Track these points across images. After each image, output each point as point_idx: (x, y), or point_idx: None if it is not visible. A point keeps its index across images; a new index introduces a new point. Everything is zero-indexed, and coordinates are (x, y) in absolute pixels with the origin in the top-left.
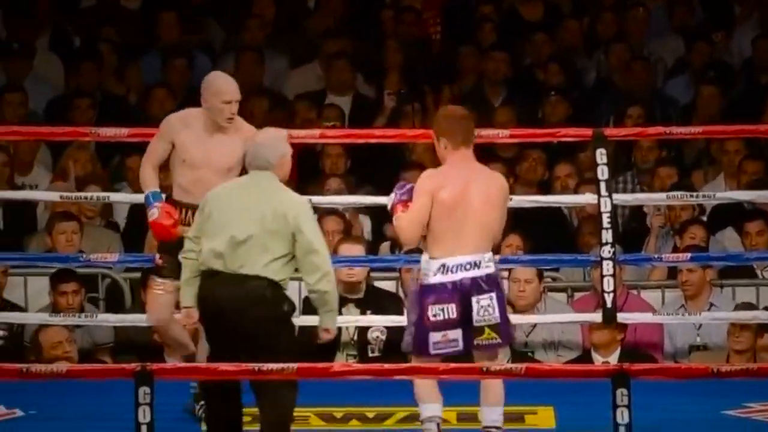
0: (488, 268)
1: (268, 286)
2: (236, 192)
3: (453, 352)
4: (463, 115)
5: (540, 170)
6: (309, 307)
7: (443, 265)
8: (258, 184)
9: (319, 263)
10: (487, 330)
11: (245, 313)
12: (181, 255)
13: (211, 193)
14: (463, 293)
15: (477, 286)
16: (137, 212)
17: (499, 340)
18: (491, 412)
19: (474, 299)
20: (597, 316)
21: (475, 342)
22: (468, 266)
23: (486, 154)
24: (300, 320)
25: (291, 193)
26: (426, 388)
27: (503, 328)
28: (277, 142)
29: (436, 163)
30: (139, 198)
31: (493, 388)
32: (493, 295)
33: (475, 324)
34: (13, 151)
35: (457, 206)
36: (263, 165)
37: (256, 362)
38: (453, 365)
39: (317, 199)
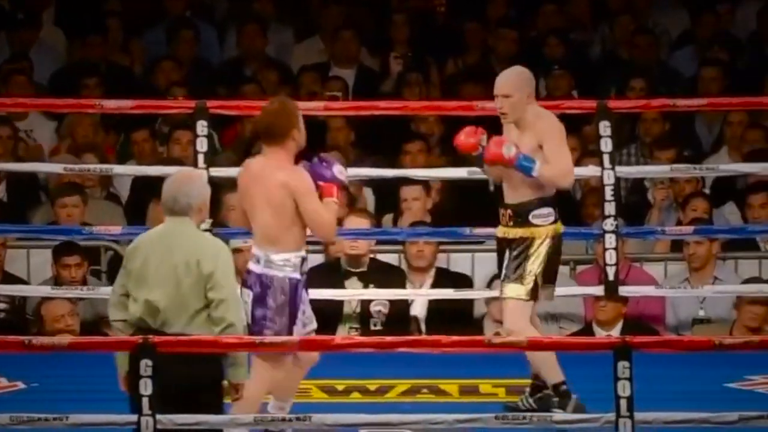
0: (268, 267)
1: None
2: (153, 246)
3: None
4: (265, 113)
5: None
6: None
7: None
8: (173, 233)
9: (224, 314)
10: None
11: (175, 376)
12: (109, 310)
13: (132, 246)
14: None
15: (246, 279)
16: (140, 185)
17: None
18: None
19: (243, 291)
20: (599, 289)
21: None
22: (253, 257)
23: (492, 126)
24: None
25: (206, 238)
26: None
27: (251, 331)
28: (197, 185)
29: (440, 134)
30: (143, 170)
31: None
32: (251, 293)
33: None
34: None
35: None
36: (183, 210)
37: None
38: (454, 338)
39: None
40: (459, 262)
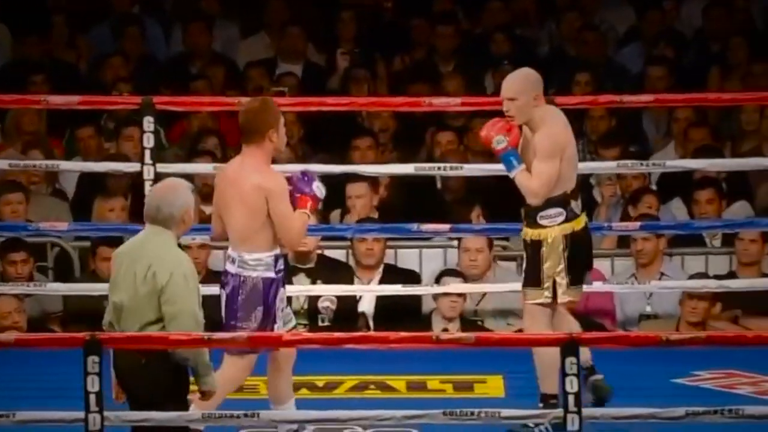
0: (241, 268)
1: (141, 355)
2: (128, 251)
3: None
4: (245, 110)
5: None
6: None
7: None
8: (145, 241)
9: (173, 330)
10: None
11: (130, 386)
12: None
13: (115, 252)
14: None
15: (222, 279)
16: (86, 181)
17: None
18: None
19: (221, 291)
20: None
21: None
22: (229, 258)
23: (437, 123)
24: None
25: (169, 251)
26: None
27: (225, 328)
28: (181, 195)
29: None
30: (90, 167)
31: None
32: (223, 293)
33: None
34: None
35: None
36: (165, 220)
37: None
38: (402, 334)
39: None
40: (407, 258)
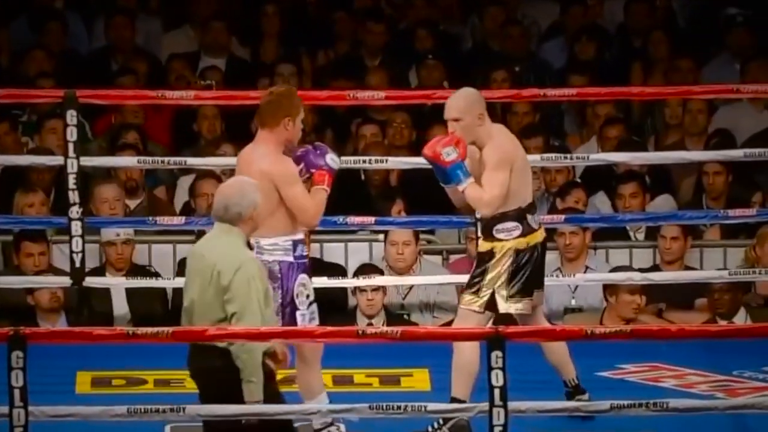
0: (259, 253)
1: (214, 356)
2: (198, 250)
3: None
4: (268, 93)
5: (407, 133)
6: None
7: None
8: (216, 240)
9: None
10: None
11: (204, 386)
12: None
13: (191, 249)
14: None
15: None
16: (6, 175)
17: None
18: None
19: None
20: None
21: None
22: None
23: (361, 116)
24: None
25: (235, 250)
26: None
27: None
28: (249, 194)
29: (313, 124)
30: (11, 160)
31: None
32: None
33: None
34: None
35: None
36: (233, 219)
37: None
38: (328, 329)
39: (197, 160)
40: (332, 252)
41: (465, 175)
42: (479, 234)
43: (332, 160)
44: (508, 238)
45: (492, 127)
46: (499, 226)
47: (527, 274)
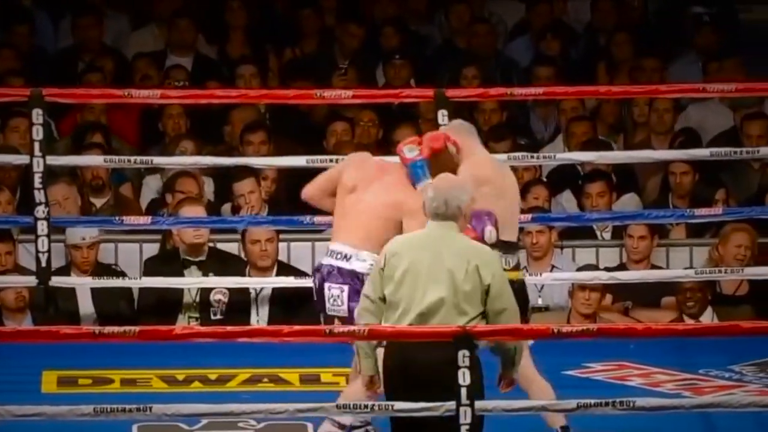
0: (357, 265)
1: (445, 349)
2: (418, 250)
3: None
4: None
5: (373, 132)
6: None
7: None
8: (441, 237)
9: (507, 322)
10: (337, 321)
11: (447, 380)
12: (358, 316)
13: (390, 250)
14: (322, 278)
15: (333, 275)
16: None
17: None
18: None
19: (327, 285)
20: None
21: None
22: (338, 255)
23: (331, 114)
24: None
25: (478, 245)
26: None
27: (349, 322)
28: (465, 189)
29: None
30: None
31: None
32: (346, 288)
33: (328, 312)
34: None
35: (355, 193)
36: (453, 214)
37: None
38: (295, 328)
39: (163, 159)
40: (299, 252)
41: (425, 174)
42: None
43: (490, 232)
44: None
45: (473, 154)
46: None
47: None
